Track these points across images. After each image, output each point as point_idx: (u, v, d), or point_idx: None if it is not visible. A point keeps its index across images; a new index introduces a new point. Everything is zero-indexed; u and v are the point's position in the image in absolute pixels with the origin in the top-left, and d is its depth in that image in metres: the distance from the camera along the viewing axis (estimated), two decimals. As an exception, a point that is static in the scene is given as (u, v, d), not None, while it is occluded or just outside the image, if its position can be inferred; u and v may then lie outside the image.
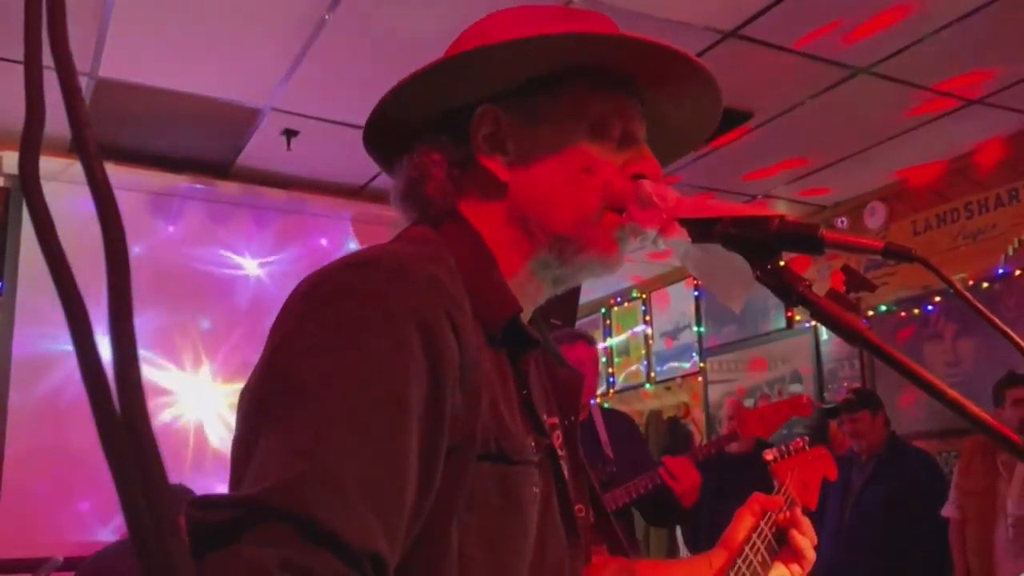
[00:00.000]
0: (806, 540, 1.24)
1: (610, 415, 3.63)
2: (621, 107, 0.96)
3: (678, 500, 3.15)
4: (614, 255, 0.96)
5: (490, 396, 0.82)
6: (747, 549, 1.20)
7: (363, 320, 0.75)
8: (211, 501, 0.67)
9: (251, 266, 5.11)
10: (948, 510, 4.15)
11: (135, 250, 4.62)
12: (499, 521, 0.81)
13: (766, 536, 1.23)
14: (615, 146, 0.95)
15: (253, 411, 0.76)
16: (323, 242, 5.31)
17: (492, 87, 0.94)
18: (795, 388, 5.79)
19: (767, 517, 1.25)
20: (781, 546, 1.23)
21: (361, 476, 0.69)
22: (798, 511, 1.26)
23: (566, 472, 0.94)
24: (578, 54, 0.94)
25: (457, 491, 0.77)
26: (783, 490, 1.36)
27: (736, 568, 1.18)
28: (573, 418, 1.01)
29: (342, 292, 0.77)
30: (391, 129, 0.99)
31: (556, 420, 0.98)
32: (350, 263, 0.81)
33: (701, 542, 5.12)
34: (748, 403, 5.77)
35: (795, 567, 1.23)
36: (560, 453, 0.94)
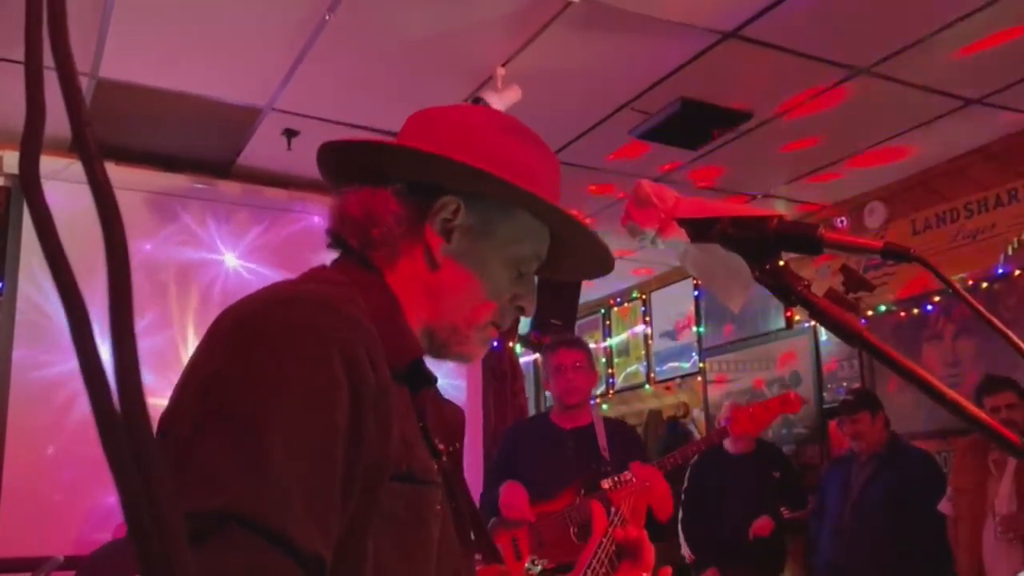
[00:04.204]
0: (643, 555, 1.39)
1: (612, 424, 3.62)
2: (539, 253, 1.14)
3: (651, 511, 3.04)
4: (478, 356, 1.15)
5: (399, 423, 0.92)
6: (593, 561, 1.47)
7: (295, 351, 0.85)
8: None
9: (251, 266, 5.11)
10: (944, 506, 4.16)
11: (135, 250, 4.62)
12: (408, 534, 0.93)
13: (608, 551, 1.47)
14: (515, 277, 1.12)
15: (193, 430, 0.81)
16: (324, 241, 5.30)
17: (464, 189, 1.07)
18: (794, 389, 5.79)
19: (607, 535, 1.47)
20: (621, 560, 1.44)
21: (302, 488, 0.79)
22: (631, 530, 1.45)
23: (456, 491, 1.08)
24: (543, 213, 1.10)
25: (373, 507, 0.88)
26: (618, 513, 1.64)
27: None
28: (457, 445, 1.14)
29: (274, 326, 0.87)
30: (359, 156, 1.11)
31: (445, 446, 1.10)
32: (275, 299, 0.92)
33: (705, 545, 5.11)
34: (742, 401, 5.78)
35: None
36: (449, 474, 1.08)
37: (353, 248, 1.09)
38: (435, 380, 1.06)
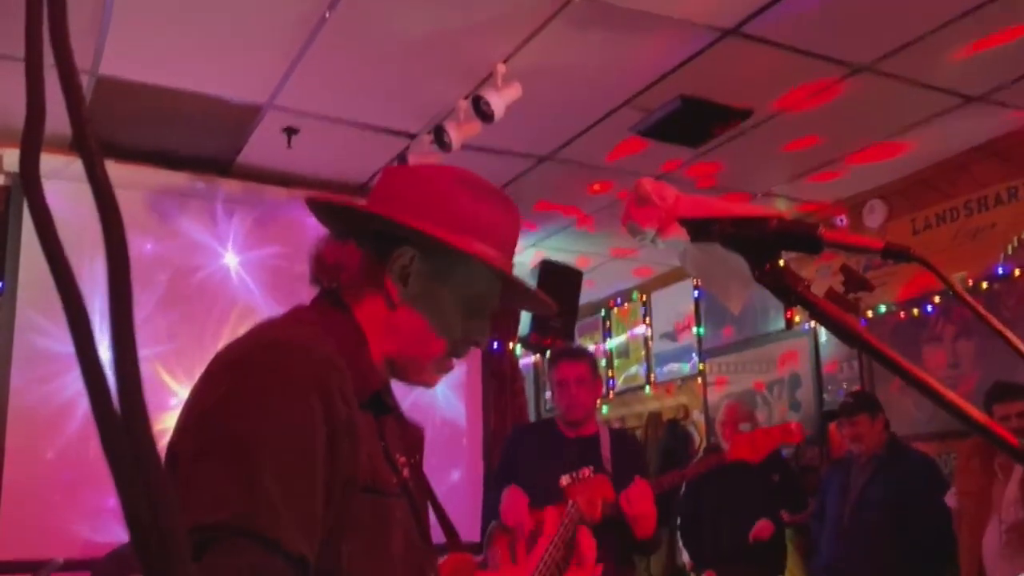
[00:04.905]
0: (588, 551, 1.57)
1: (616, 434, 3.61)
2: (492, 291, 1.29)
3: (629, 525, 2.99)
4: (433, 384, 1.33)
5: (365, 445, 1.11)
6: (550, 548, 1.64)
7: (280, 390, 1.04)
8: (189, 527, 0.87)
9: (251, 264, 5.11)
10: (950, 499, 4.13)
11: (135, 248, 4.61)
12: (373, 538, 1.11)
13: (566, 539, 1.67)
14: (469, 315, 1.27)
15: (196, 455, 0.99)
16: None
17: (422, 247, 1.23)
18: (794, 391, 5.79)
19: (563, 526, 1.73)
20: (574, 549, 1.58)
21: (290, 502, 0.97)
22: (583, 528, 1.63)
23: (416, 498, 1.25)
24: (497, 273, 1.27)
25: (345, 516, 1.06)
26: (574, 506, 1.86)
27: (543, 561, 1.62)
28: (418, 457, 1.32)
29: (261, 369, 1.06)
30: (337, 209, 1.31)
31: (405, 460, 1.26)
32: (262, 344, 1.11)
33: (706, 548, 5.11)
34: (749, 401, 5.77)
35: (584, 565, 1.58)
36: (410, 484, 1.24)
37: (327, 289, 1.28)
38: (394, 408, 1.26)
